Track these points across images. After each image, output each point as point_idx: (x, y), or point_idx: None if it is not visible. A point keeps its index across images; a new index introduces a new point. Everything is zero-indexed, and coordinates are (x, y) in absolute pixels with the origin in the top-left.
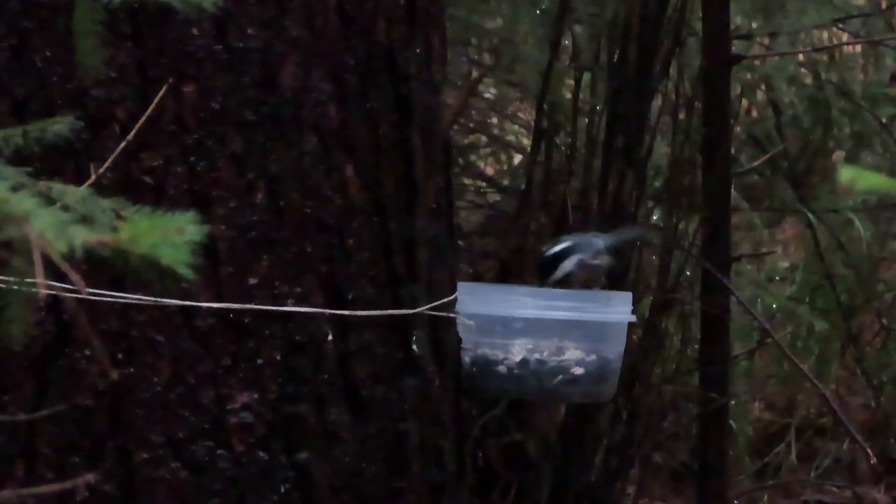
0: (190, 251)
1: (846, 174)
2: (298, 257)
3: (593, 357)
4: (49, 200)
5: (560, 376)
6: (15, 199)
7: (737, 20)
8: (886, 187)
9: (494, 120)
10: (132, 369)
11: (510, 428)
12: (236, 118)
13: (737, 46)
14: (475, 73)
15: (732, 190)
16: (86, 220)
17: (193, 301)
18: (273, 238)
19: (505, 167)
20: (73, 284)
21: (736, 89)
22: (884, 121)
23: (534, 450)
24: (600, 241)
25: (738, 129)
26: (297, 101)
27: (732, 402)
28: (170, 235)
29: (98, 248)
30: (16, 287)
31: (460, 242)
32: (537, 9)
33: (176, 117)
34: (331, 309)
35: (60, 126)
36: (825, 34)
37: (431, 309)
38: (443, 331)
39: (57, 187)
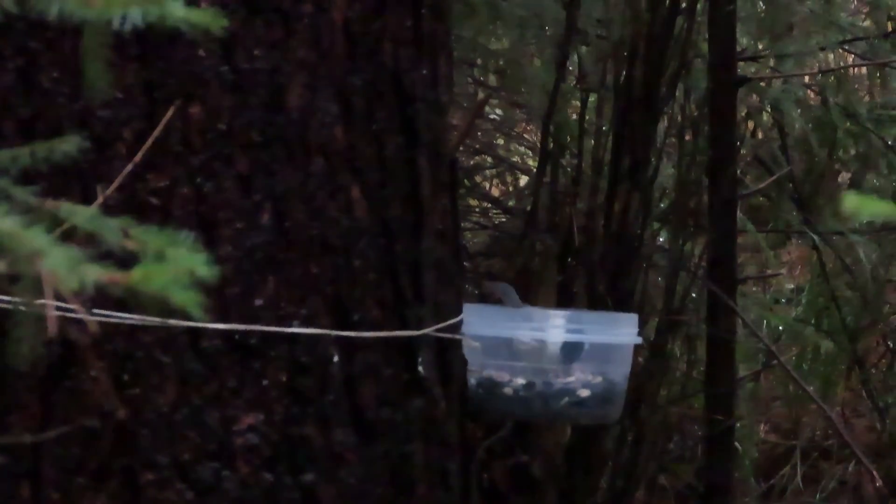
0: (200, 292)
1: (850, 202)
2: (304, 278)
3: (599, 379)
4: (57, 222)
5: (566, 398)
6: (27, 235)
7: (743, 42)
8: (890, 214)
9: (500, 141)
10: (138, 390)
11: (516, 450)
12: (243, 139)
13: (743, 68)
14: (481, 95)
15: (738, 212)
16: (97, 251)
17: (199, 322)
18: (279, 259)
19: (511, 188)
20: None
21: (742, 111)
22: (889, 142)
23: (539, 471)
24: None
25: (743, 150)
26: (303, 122)
27: (738, 424)
28: (181, 276)
29: (109, 286)
30: (22, 308)
31: (466, 264)
32: (543, 30)
33: (182, 138)
34: (336, 330)
35: (68, 145)
36: (831, 56)
37: (437, 330)
38: (449, 352)
39: (65, 207)
